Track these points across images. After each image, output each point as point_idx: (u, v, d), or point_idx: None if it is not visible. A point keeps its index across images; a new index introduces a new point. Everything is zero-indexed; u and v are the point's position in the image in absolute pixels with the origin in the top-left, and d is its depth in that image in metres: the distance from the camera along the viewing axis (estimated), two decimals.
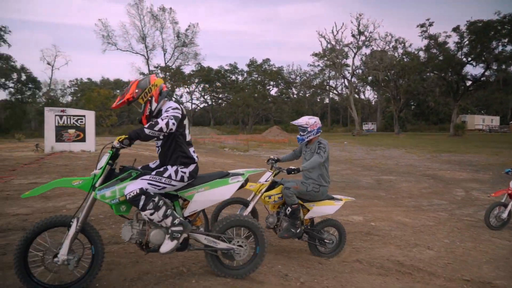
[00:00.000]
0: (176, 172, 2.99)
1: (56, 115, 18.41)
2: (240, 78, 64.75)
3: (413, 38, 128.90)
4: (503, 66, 38.42)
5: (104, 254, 2.97)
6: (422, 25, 44.67)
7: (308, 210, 4.51)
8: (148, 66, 59.86)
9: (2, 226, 4.80)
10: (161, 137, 3.08)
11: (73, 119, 18.74)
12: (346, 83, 57.73)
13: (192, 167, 3.07)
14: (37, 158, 14.69)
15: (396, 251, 4.80)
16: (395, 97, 49.68)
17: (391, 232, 5.71)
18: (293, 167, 4.32)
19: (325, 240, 4.54)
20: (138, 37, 56.91)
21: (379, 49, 49.21)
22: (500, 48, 36.78)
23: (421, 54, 46.79)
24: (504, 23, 33.33)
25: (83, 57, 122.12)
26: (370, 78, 55.02)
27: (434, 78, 45.33)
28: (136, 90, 2.98)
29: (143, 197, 2.78)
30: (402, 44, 49.04)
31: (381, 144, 29.42)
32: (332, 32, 51.01)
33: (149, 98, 3.04)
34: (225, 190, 3.19)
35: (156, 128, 2.77)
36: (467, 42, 38.82)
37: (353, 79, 51.08)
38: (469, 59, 40.40)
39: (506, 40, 35.65)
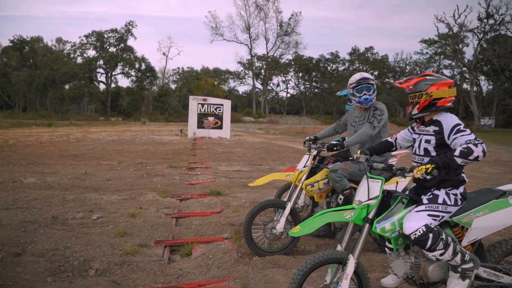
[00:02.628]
0: (448, 195, 2.52)
1: (198, 103, 19.76)
2: (341, 67, 62.86)
3: None
4: None
5: None
6: None
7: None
8: (251, 56, 61.55)
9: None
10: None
11: (213, 107, 19.90)
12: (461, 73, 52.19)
13: (461, 188, 2.58)
14: (193, 143, 15.94)
15: None
16: None
17: None
18: (335, 142, 3.52)
19: None
20: (243, 28, 58.69)
21: (509, 33, 43.23)
22: None
23: None
24: None
25: (188, 48, 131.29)
26: (487, 66, 48.90)
27: None
28: (411, 87, 2.57)
29: (430, 235, 2.36)
30: None
31: (505, 143, 25.82)
32: (453, 16, 45.77)
33: (414, 103, 2.58)
34: (510, 213, 2.58)
35: (471, 157, 2.26)
36: None
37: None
38: None
39: None
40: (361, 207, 2.48)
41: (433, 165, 2.28)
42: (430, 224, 2.40)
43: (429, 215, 2.43)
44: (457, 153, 2.28)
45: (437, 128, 2.49)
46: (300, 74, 66.81)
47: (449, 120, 2.47)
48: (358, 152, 2.80)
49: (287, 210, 3.58)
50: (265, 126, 39.51)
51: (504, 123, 54.54)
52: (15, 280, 2.92)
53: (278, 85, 72.54)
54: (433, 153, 2.52)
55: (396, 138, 2.89)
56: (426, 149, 2.55)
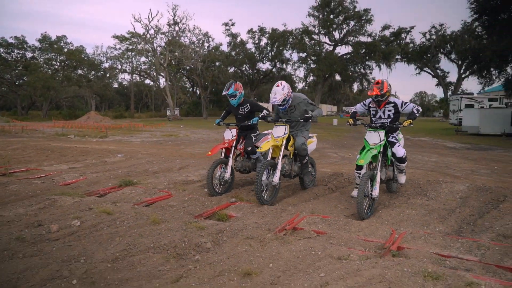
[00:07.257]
0: (397, 135, 5.06)
1: None
2: (29, 54, 53.76)
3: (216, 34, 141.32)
4: (284, 66, 50.81)
5: None
6: (226, 24, 51.86)
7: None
8: None
9: None
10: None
11: None
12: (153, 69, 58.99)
13: None
14: None
15: None
16: (203, 86, 55.36)
17: None
18: (309, 115, 5.10)
19: (313, 174, 5.79)
20: None
21: (187, 41, 53.42)
22: (289, 53, 48.17)
23: (223, 48, 54.74)
24: (292, 34, 44.46)
25: None
26: (169, 67, 58.65)
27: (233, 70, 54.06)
28: (388, 88, 4.64)
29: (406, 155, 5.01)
30: (207, 38, 55.16)
31: (206, 127, 32.15)
32: (148, 18, 50.84)
33: (387, 95, 4.62)
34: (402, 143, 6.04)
35: (420, 112, 4.66)
36: (262, 44, 48.75)
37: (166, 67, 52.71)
38: (262, 57, 50.67)
39: (289, 47, 47.06)
40: (376, 146, 4.52)
41: (412, 120, 4.53)
42: None
43: (401, 146, 4.84)
44: (416, 112, 4.65)
45: (393, 104, 4.77)
46: None
47: (397, 100, 4.77)
48: (351, 120, 4.80)
49: (279, 166, 4.92)
50: None
51: (185, 113, 66.41)
52: None
53: None
54: (392, 116, 4.77)
55: (356, 109, 5.08)
56: (389, 114, 4.80)
